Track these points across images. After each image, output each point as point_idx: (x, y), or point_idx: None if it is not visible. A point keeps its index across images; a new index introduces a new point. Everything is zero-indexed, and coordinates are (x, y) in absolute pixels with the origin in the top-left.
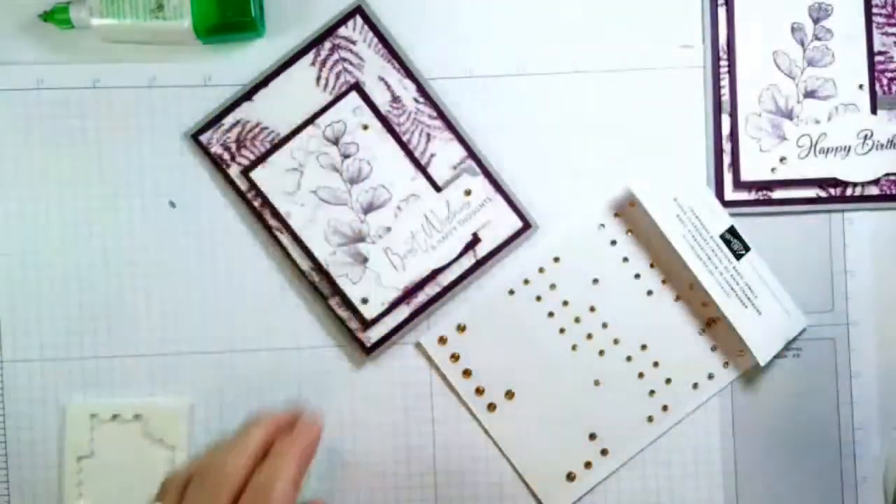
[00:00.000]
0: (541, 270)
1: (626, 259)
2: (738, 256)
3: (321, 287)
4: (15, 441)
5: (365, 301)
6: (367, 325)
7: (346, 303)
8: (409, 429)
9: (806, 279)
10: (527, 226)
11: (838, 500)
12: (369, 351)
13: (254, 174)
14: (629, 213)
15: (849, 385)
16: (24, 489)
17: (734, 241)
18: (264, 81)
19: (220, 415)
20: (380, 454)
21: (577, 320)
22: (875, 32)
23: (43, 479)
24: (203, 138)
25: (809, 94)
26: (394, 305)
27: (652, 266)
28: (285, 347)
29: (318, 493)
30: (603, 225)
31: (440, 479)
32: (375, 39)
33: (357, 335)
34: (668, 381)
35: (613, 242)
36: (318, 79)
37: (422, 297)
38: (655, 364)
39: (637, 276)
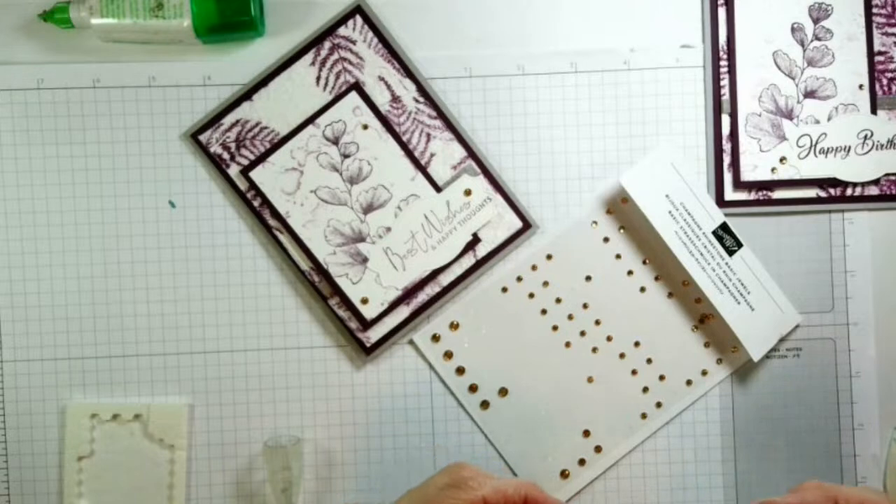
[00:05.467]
0: (533, 268)
1: (618, 256)
2: (731, 253)
3: (321, 287)
4: (15, 441)
5: (365, 301)
6: (366, 325)
7: (346, 303)
8: (409, 428)
9: (806, 279)
10: (527, 226)
11: None
12: (369, 351)
13: (253, 174)
14: (622, 209)
15: (849, 385)
16: (24, 489)
17: (727, 238)
18: (264, 81)
19: (220, 415)
20: (379, 453)
21: (570, 317)
22: (875, 32)
23: (43, 479)
24: (203, 138)
25: (809, 94)
26: (394, 305)
27: (645, 263)
28: (285, 347)
29: (318, 493)
30: (595, 222)
31: None
32: (375, 39)
33: (357, 335)
34: (662, 377)
35: (606, 239)
36: (318, 78)
37: (422, 297)
38: (649, 361)
39: (630, 272)
